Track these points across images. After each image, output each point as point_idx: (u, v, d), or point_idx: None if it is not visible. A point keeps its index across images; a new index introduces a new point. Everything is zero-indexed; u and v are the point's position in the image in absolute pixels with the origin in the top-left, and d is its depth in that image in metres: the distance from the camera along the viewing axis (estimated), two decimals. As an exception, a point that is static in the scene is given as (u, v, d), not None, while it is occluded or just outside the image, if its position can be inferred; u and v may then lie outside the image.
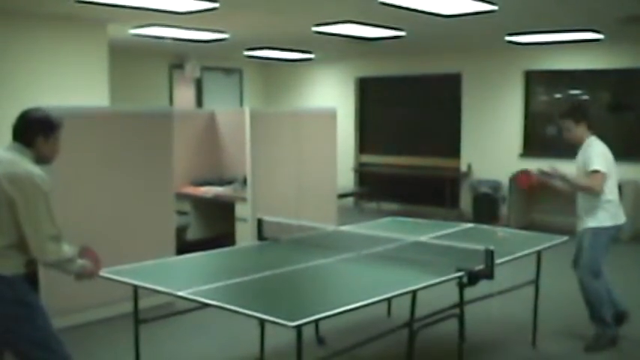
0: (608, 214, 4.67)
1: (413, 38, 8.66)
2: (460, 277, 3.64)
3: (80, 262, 3.13)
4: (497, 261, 3.64)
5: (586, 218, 4.71)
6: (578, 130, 4.73)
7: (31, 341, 2.95)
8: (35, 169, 3.01)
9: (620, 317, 4.88)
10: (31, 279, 3.09)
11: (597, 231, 4.65)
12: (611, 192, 4.69)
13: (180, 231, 7.00)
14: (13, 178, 2.95)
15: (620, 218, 4.75)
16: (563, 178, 4.75)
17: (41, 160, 3.11)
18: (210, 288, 3.31)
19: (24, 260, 3.00)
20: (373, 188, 11.53)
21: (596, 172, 4.58)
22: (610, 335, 4.77)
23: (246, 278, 3.56)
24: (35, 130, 3.07)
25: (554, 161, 9.20)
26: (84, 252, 3.19)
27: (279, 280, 3.61)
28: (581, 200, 4.77)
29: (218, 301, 3.10)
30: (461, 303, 3.87)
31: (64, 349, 3.04)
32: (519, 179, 5.45)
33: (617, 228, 4.73)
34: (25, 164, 3.00)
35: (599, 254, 4.69)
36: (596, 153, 4.63)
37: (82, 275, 3.17)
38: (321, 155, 7.22)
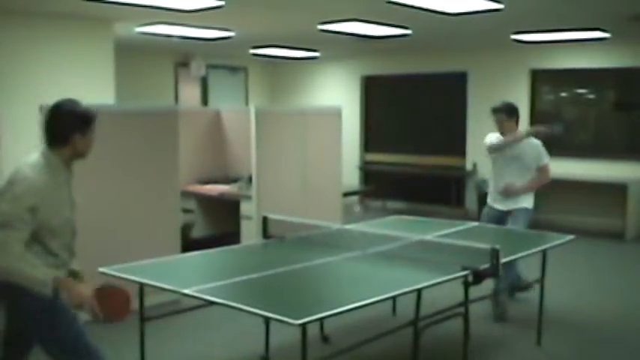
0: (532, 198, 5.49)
1: (419, 37, 8.65)
2: (465, 276, 3.65)
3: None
4: (503, 260, 3.64)
5: (519, 199, 5.39)
6: (510, 123, 5.36)
7: (57, 343, 2.88)
8: (31, 176, 2.74)
9: (523, 288, 5.60)
10: None
11: (529, 211, 5.43)
12: None
13: (186, 229, 7.01)
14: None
15: None
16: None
17: (77, 156, 2.90)
18: (216, 286, 3.32)
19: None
20: (378, 186, 11.51)
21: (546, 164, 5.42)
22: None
23: (251, 276, 3.56)
24: (72, 127, 2.81)
25: (561, 159, 9.30)
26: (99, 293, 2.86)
27: (284, 278, 3.61)
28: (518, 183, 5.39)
29: (223, 298, 3.10)
30: (466, 301, 3.87)
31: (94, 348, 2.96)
32: None
33: None
34: (27, 169, 2.77)
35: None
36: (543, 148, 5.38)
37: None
38: (327, 153, 7.22)
